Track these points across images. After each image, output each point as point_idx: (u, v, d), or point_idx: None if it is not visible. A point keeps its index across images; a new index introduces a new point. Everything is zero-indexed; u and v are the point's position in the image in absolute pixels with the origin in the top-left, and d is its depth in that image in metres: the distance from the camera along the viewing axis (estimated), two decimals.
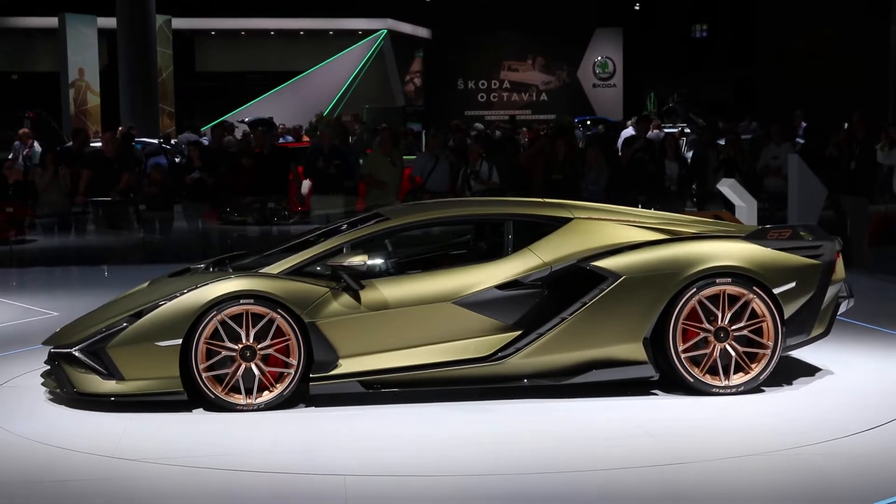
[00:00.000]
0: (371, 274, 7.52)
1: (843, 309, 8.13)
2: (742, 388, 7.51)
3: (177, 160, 20.30)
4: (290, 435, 6.83)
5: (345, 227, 8.43)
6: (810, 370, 8.25)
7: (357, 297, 7.36)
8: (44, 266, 15.13)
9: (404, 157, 16.92)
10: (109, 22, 32.43)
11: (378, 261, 7.85)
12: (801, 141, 20.13)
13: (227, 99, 40.16)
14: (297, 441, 6.72)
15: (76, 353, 7.31)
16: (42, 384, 7.70)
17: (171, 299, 7.24)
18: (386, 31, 42.99)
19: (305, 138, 25.69)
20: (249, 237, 16.71)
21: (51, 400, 7.55)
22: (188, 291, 7.26)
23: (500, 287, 7.48)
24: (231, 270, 7.78)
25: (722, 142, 17.54)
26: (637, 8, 46.21)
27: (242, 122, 33.17)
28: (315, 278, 7.45)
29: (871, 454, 6.28)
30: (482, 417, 7.14)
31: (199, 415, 7.18)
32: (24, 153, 22.68)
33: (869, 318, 10.15)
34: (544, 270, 7.53)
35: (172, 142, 25.53)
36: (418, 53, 45.88)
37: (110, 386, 7.21)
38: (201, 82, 42.36)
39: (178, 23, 38.11)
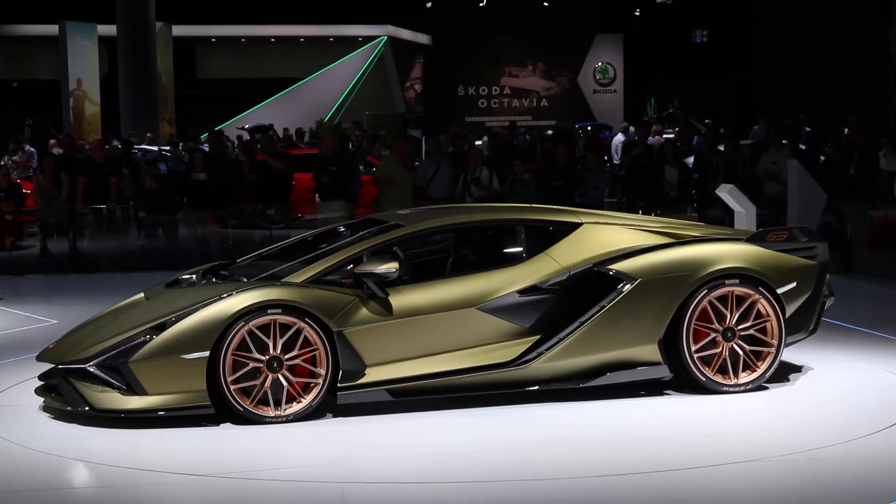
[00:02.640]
0: (392, 281, 7.41)
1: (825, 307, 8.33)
2: (750, 385, 7.68)
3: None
4: (297, 445, 6.79)
5: (343, 230, 8.47)
6: (810, 375, 8.26)
7: (383, 305, 7.31)
8: (42, 273, 15.12)
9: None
10: (110, 29, 32.45)
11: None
12: (802, 147, 20.07)
13: (227, 106, 40.16)
14: (300, 452, 6.70)
15: (91, 369, 7.04)
16: (44, 403, 7.45)
17: (194, 311, 7.04)
18: (386, 37, 43.00)
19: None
20: (249, 243, 16.68)
21: (48, 411, 7.41)
22: (213, 302, 7.06)
23: (522, 292, 7.53)
24: (245, 280, 7.59)
25: (721, 147, 17.53)
26: (637, 14, 46.20)
27: (243, 128, 33.17)
28: (339, 286, 7.39)
29: (870, 459, 6.27)
30: (493, 422, 7.13)
31: (197, 428, 7.12)
32: (17, 158, 22.79)
33: (868, 323, 10.16)
34: (563, 275, 7.63)
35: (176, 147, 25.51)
36: (418, 60, 45.87)
37: (132, 402, 6.95)
38: (202, 89, 42.36)
39: (179, 30, 38.14)
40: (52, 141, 24.79)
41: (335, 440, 6.85)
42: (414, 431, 7.00)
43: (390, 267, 7.27)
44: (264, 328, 7.06)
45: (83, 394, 7.07)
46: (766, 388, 7.80)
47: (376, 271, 7.27)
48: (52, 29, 34.90)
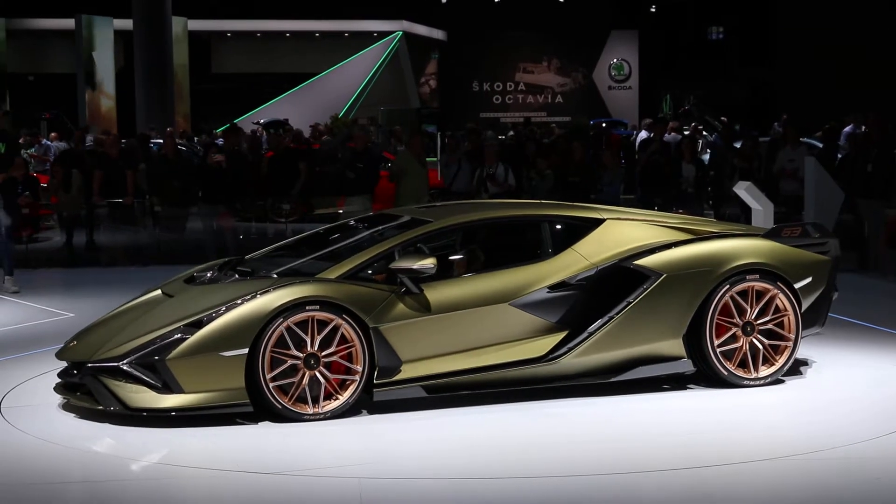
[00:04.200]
0: (424, 277, 7.36)
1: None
2: (769, 379, 7.78)
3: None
4: (306, 439, 6.78)
5: (356, 225, 8.53)
6: (826, 373, 8.24)
7: (418, 301, 7.27)
8: (58, 267, 15.15)
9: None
10: (126, 23, 32.52)
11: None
12: (819, 144, 20.00)
13: (242, 101, 40.23)
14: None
15: (125, 367, 6.91)
16: (69, 401, 7.26)
17: (232, 307, 6.94)
18: (401, 32, 43.01)
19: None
20: (264, 237, 16.72)
21: (68, 407, 7.33)
22: (250, 298, 6.96)
23: (552, 288, 7.56)
24: (275, 276, 7.48)
25: (738, 145, 17.50)
26: (653, 10, 46.13)
27: (258, 123, 33.23)
28: (373, 282, 7.35)
29: (880, 461, 6.24)
30: (515, 418, 7.13)
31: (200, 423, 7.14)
32: (34, 151, 22.86)
33: (884, 322, 10.12)
34: (590, 270, 7.68)
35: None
36: (433, 55, 45.88)
37: (168, 400, 6.83)
38: (217, 84, 42.44)
39: (194, 24, 38.20)
40: (52, 134, 24.91)
41: (372, 437, 6.80)
42: (449, 428, 6.95)
43: (428, 263, 7.23)
44: (302, 325, 6.99)
45: (115, 392, 6.92)
46: (783, 381, 7.85)
47: (414, 267, 7.22)
48: (69, 23, 34.98)
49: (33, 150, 23.29)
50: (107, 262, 15.69)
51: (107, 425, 6.93)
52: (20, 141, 22.95)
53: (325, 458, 6.38)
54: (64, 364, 7.49)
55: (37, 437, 6.76)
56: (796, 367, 8.19)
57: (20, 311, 11.37)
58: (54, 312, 11.19)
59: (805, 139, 18.68)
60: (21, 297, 12.10)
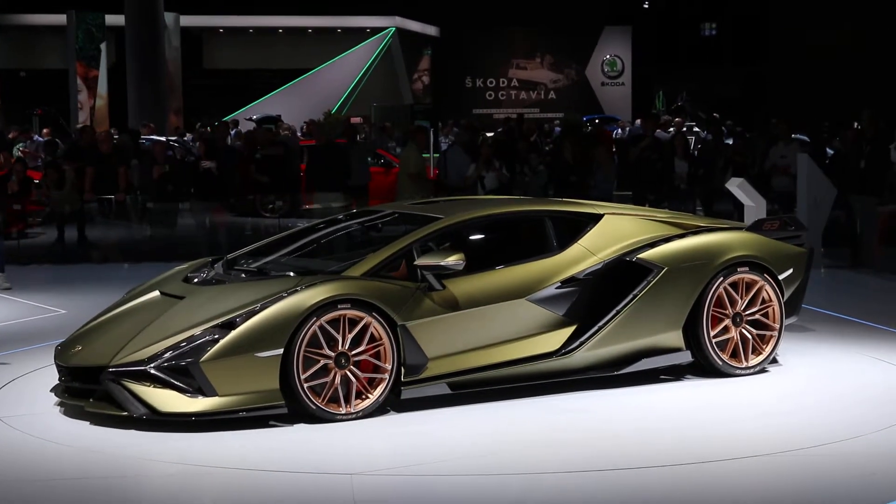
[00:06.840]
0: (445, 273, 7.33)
1: None
2: (757, 368, 7.99)
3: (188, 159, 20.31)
4: (298, 435, 6.76)
5: (343, 220, 8.59)
6: (816, 371, 8.25)
7: (443, 298, 7.26)
8: (49, 263, 15.12)
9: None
10: (118, 19, 32.44)
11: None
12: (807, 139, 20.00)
13: (235, 96, 40.15)
14: (308, 441, 6.65)
15: (153, 371, 6.71)
16: (86, 408, 6.94)
17: (264, 308, 6.82)
18: (394, 28, 42.97)
19: None
20: (257, 232, 16.71)
21: (67, 407, 7.19)
22: (279, 298, 6.85)
23: (564, 282, 7.64)
24: (291, 274, 7.41)
25: (729, 141, 17.50)
26: (646, 6, 46.16)
27: (251, 119, 33.19)
28: (398, 279, 7.32)
29: (874, 457, 6.24)
30: (519, 413, 7.11)
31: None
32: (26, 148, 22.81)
33: (877, 318, 10.13)
34: (597, 265, 7.79)
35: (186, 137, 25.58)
36: (426, 51, 45.84)
37: (200, 403, 6.66)
38: (210, 80, 42.37)
39: (187, 20, 38.13)
40: (45, 130, 24.89)
41: (403, 434, 6.75)
42: (483, 424, 6.92)
43: (456, 259, 7.19)
44: (333, 323, 6.90)
45: (142, 397, 6.71)
46: (774, 382, 7.86)
47: (442, 263, 7.19)
48: (60, 18, 34.88)
49: (24, 145, 23.24)
50: (98, 259, 15.66)
51: (108, 428, 6.79)
52: None
53: (358, 460, 6.28)
54: (60, 368, 7.25)
55: (34, 436, 6.67)
56: (788, 363, 8.25)
57: (12, 307, 11.34)
58: (46, 309, 11.16)
59: (797, 135, 18.70)
60: (12, 293, 12.07)
